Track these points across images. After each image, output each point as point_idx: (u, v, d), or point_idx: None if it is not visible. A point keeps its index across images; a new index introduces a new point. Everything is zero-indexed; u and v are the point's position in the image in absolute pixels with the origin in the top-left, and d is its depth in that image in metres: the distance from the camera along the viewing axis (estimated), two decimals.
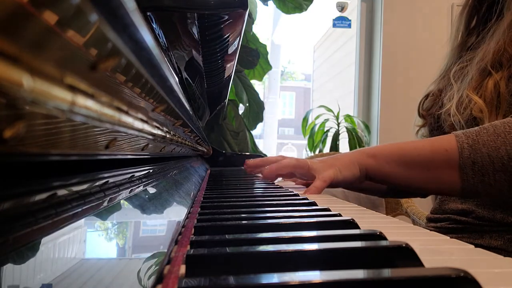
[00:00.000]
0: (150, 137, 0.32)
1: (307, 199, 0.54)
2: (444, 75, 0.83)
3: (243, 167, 0.98)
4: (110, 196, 0.28)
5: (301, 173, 0.76)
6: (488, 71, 0.69)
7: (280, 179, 1.06)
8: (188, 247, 0.29)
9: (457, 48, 0.83)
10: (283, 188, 0.74)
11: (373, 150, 0.70)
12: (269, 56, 2.05)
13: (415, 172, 0.64)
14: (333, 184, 0.71)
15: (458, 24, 0.84)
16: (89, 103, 0.16)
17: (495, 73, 0.67)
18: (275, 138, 6.17)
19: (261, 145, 4.71)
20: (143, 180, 0.42)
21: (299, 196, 0.60)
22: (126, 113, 0.23)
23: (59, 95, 0.13)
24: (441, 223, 0.76)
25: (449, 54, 0.85)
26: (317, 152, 2.50)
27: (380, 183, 0.73)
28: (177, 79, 0.36)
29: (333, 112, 2.53)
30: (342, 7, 2.63)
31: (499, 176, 0.56)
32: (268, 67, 2.06)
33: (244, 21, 0.48)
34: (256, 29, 1.97)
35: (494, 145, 0.57)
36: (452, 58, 0.83)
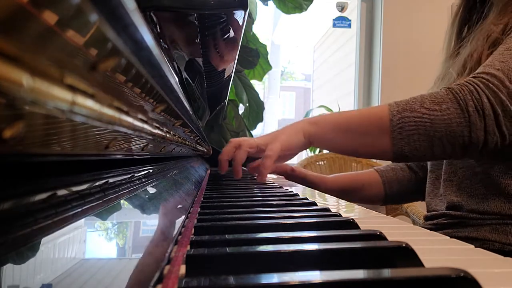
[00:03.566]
0: (150, 137, 0.32)
1: (307, 199, 0.54)
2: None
3: (244, 168, 0.98)
4: (110, 196, 0.28)
5: (253, 153, 0.84)
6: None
7: (279, 177, 1.06)
8: (188, 247, 0.29)
9: (449, 59, 0.84)
10: (283, 188, 0.74)
11: (315, 119, 0.78)
12: (269, 56, 2.04)
13: (352, 137, 0.71)
14: (283, 153, 0.77)
15: (450, 33, 0.86)
16: (89, 103, 0.16)
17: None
18: None
19: None
20: (143, 180, 0.42)
21: (299, 196, 0.60)
22: (126, 113, 0.23)
23: (59, 95, 0.13)
24: (438, 219, 0.76)
25: (443, 64, 0.86)
26: (317, 152, 2.50)
27: (323, 148, 0.80)
28: (177, 79, 0.36)
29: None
30: (342, 7, 2.63)
31: (423, 141, 0.63)
32: (268, 67, 2.05)
33: (244, 21, 0.48)
34: (256, 29, 1.96)
35: (419, 112, 0.63)
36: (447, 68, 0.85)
